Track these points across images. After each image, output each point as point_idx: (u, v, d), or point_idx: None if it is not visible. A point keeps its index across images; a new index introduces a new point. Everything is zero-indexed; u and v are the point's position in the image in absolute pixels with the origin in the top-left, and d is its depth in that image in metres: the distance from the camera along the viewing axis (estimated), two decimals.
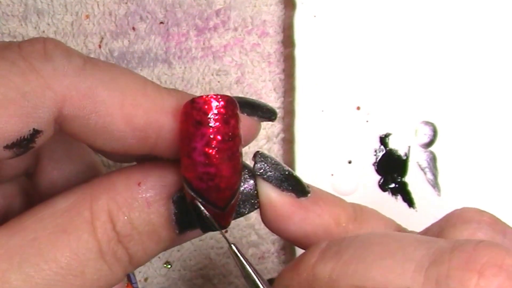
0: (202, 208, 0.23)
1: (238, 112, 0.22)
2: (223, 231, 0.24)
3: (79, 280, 0.22)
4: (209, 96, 0.22)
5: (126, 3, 0.39)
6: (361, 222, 0.26)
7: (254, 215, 0.41)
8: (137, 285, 0.39)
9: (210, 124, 0.22)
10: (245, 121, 0.24)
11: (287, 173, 0.26)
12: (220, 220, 0.23)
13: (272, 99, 0.41)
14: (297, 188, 0.26)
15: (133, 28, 0.39)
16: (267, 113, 0.25)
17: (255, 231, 0.42)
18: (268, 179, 0.25)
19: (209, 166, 0.22)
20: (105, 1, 0.39)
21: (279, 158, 0.42)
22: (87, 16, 0.39)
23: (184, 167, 0.22)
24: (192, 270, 0.41)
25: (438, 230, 0.25)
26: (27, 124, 0.21)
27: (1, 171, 0.26)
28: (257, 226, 0.41)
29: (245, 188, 0.25)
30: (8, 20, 0.38)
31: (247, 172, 0.25)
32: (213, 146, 0.22)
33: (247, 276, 0.24)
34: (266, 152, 0.42)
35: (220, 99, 0.22)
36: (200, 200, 0.23)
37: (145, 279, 0.41)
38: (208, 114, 0.22)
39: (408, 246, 0.21)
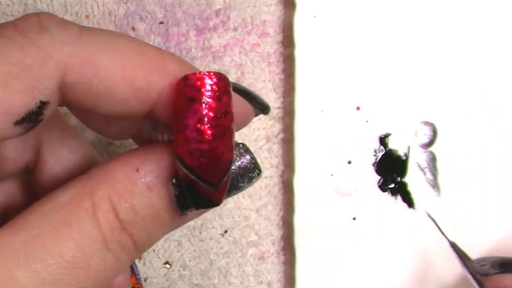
0: (194, 184, 0.23)
1: (231, 89, 0.23)
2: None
3: (85, 272, 0.22)
4: (202, 73, 0.22)
5: (126, 3, 0.39)
6: None
7: (254, 216, 0.41)
8: (140, 276, 0.39)
9: (203, 101, 0.22)
10: (238, 101, 0.24)
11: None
12: (213, 197, 0.23)
13: (272, 99, 0.41)
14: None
15: (133, 28, 0.39)
16: (261, 105, 0.26)
17: (255, 231, 0.41)
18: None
19: (202, 142, 0.22)
20: (105, 1, 0.39)
21: (279, 158, 0.42)
22: (87, 16, 0.39)
23: (176, 143, 0.23)
24: (192, 270, 0.41)
25: None
26: (34, 97, 0.21)
27: (1, 166, 0.26)
28: (257, 226, 0.41)
29: (242, 162, 0.25)
30: (8, 20, 0.38)
31: (242, 147, 0.25)
32: (205, 122, 0.22)
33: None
34: (266, 152, 0.42)
35: (213, 76, 0.22)
36: (193, 177, 0.23)
37: (145, 279, 0.41)
38: (200, 91, 0.22)
39: None
